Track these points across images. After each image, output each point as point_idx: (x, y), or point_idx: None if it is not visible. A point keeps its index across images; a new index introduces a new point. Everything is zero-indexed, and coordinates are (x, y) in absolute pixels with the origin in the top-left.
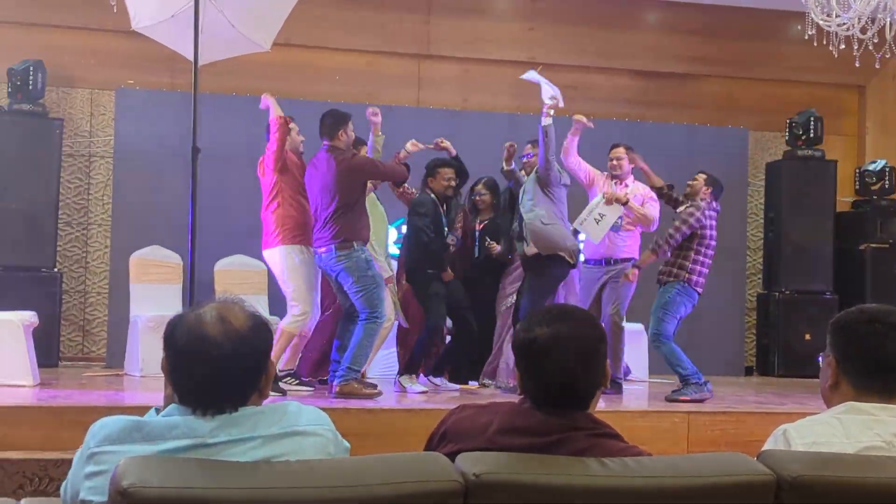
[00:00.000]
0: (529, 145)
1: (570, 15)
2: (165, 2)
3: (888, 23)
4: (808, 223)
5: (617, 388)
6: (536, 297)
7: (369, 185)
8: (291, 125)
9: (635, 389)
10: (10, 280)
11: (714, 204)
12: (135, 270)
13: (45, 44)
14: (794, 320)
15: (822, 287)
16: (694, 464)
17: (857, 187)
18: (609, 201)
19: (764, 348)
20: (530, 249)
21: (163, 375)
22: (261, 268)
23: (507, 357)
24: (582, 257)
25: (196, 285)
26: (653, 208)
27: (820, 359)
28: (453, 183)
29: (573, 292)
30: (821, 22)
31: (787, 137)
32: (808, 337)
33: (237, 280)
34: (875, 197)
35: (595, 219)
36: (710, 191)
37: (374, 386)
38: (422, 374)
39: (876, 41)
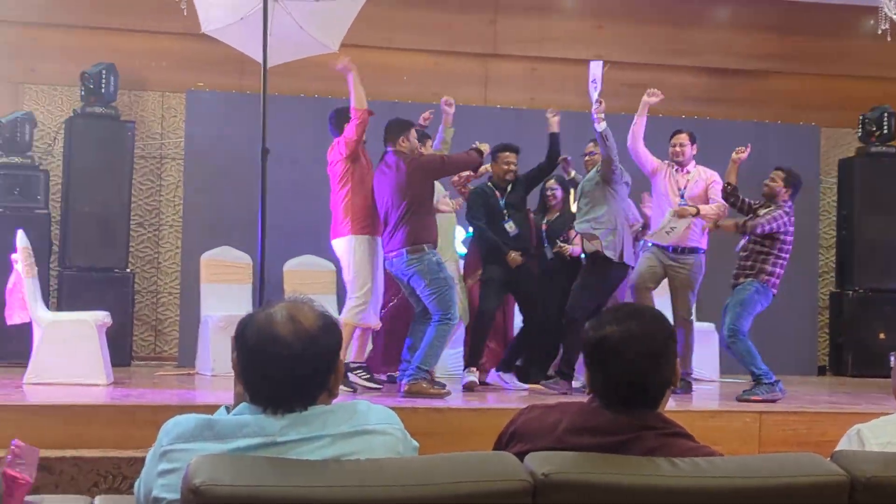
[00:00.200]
0: (592, 143)
1: (638, 12)
2: (235, 5)
3: None
4: (881, 220)
5: (686, 388)
6: (589, 297)
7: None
8: None
9: (705, 389)
10: (84, 281)
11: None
12: (205, 271)
13: (117, 47)
14: (867, 319)
15: None
16: (766, 464)
17: None
18: (681, 215)
19: (837, 347)
20: (588, 247)
21: (233, 374)
22: (329, 268)
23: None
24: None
25: (265, 285)
26: (717, 193)
27: (892, 358)
28: (513, 167)
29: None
30: (894, 16)
31: (859, 134)
32: (882, 336)
33: (306, 280)
34: None
35: (666, 231)
36: (789, 192)
37: (443, 385)
38: (492, 371)
39: None
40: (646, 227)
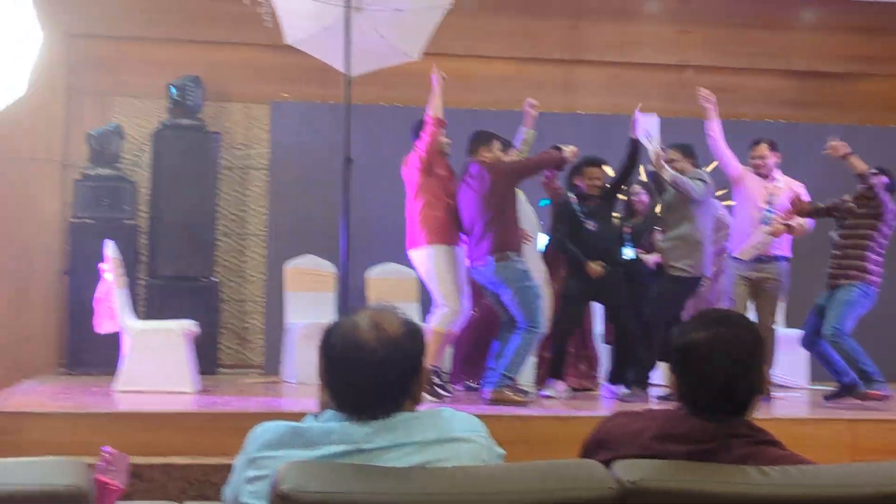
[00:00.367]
0: (638, 186)
1: (723, 16)
2: (317, 15)
3: None
4: None
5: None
6: (666, 306)
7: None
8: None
9: (794, 397)
10: (171, 290)
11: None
12: (289, 279)
13: (203, 59)
14: None
15: None
16: (860, 473)
17: None
18: (776, 235)
19: None
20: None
21: (318, 382)
22: (412, 276)
23: None
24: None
25: (349, 293)
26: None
27: None
28: (598, 183)
29: (703, 300)
30: None
31: None
32: None
33: (389, 288)
34: None
35: (755, 248)
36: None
37: (527, 393)
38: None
39: None
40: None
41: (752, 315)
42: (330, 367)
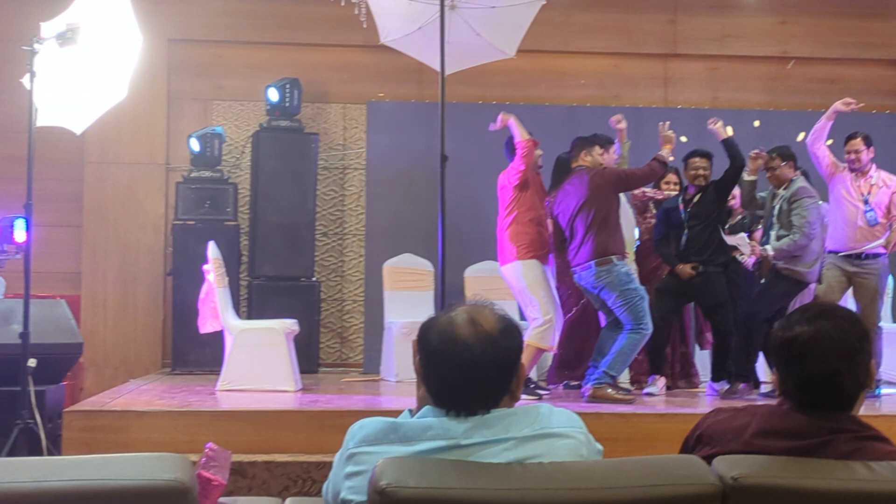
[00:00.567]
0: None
1: (823, 5)
2: (412, 15)
3: None
4: None
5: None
6: (771, 301)
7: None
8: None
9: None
10: (272, 290)
11: None
12: (388, 278)
13: (300, 62)
14: None
15: None
16: None
17: None
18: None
19: None
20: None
21: (415, 378)
22: None
23: None
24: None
25: (447, 291)
26: None
27: None
28: (702, 173)
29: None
30: None
31: None
32: None
33: (487, 286)
34: None
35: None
36: None
37: (628, 391)
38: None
39: None
40: None
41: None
42: (427, 363)
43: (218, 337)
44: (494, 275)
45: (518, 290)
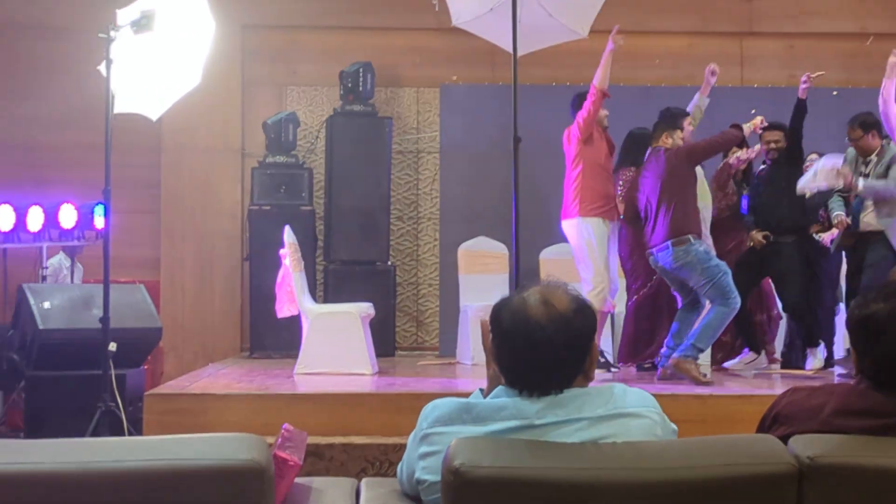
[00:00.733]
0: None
1: None
2: None
3: None
4: None
5: None
6: (879, 275)
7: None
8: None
9: None
10: (348, 274)
11: None
12: (463, 262)
13: (373, 46)
14: None
15: None
16: None
17: None
18: None
19: None
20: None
21: (488, 358)
22: None
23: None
24: None
25: (522, 274)
26: None
27: None
28: (774, 146)
29: None
30: None
31: None
32: None
33: (562, 269)
34: None
35: None
36: None
37: (706, 374)
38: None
39: None
40: None
41: None
42: (500, 343)
43: (295, 321)
44: (570, 257)
45: (576, 248)
